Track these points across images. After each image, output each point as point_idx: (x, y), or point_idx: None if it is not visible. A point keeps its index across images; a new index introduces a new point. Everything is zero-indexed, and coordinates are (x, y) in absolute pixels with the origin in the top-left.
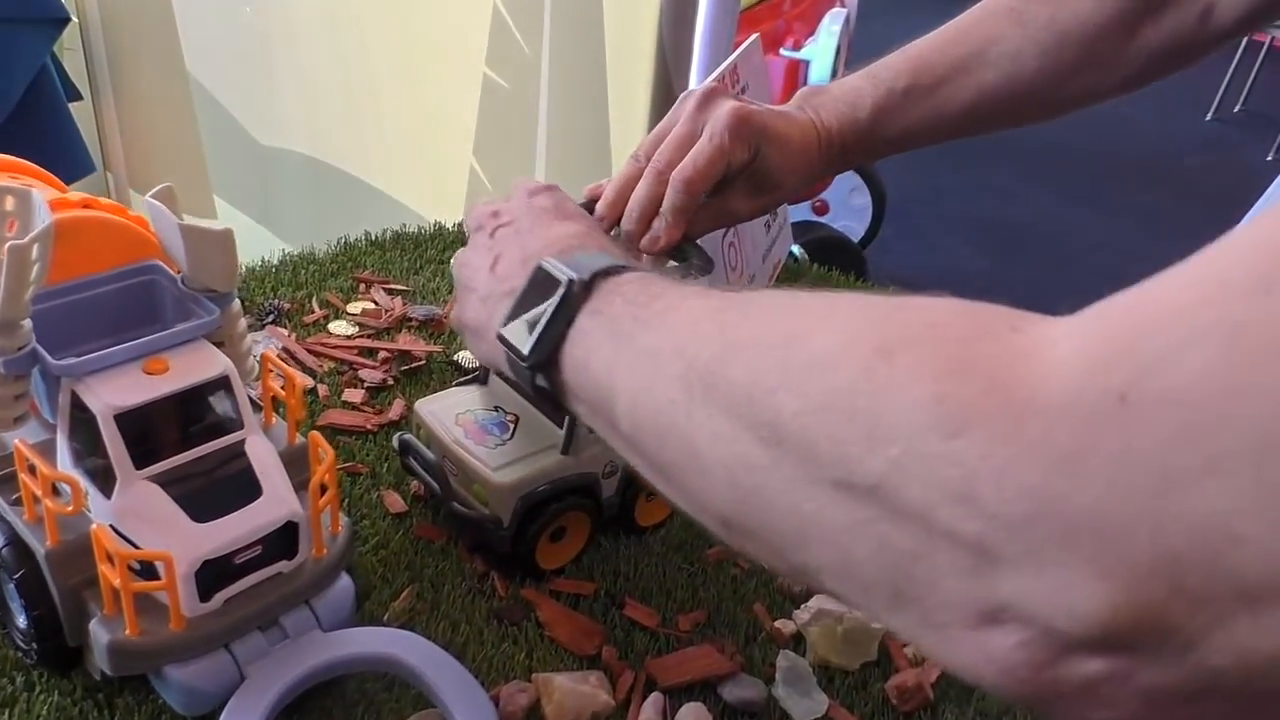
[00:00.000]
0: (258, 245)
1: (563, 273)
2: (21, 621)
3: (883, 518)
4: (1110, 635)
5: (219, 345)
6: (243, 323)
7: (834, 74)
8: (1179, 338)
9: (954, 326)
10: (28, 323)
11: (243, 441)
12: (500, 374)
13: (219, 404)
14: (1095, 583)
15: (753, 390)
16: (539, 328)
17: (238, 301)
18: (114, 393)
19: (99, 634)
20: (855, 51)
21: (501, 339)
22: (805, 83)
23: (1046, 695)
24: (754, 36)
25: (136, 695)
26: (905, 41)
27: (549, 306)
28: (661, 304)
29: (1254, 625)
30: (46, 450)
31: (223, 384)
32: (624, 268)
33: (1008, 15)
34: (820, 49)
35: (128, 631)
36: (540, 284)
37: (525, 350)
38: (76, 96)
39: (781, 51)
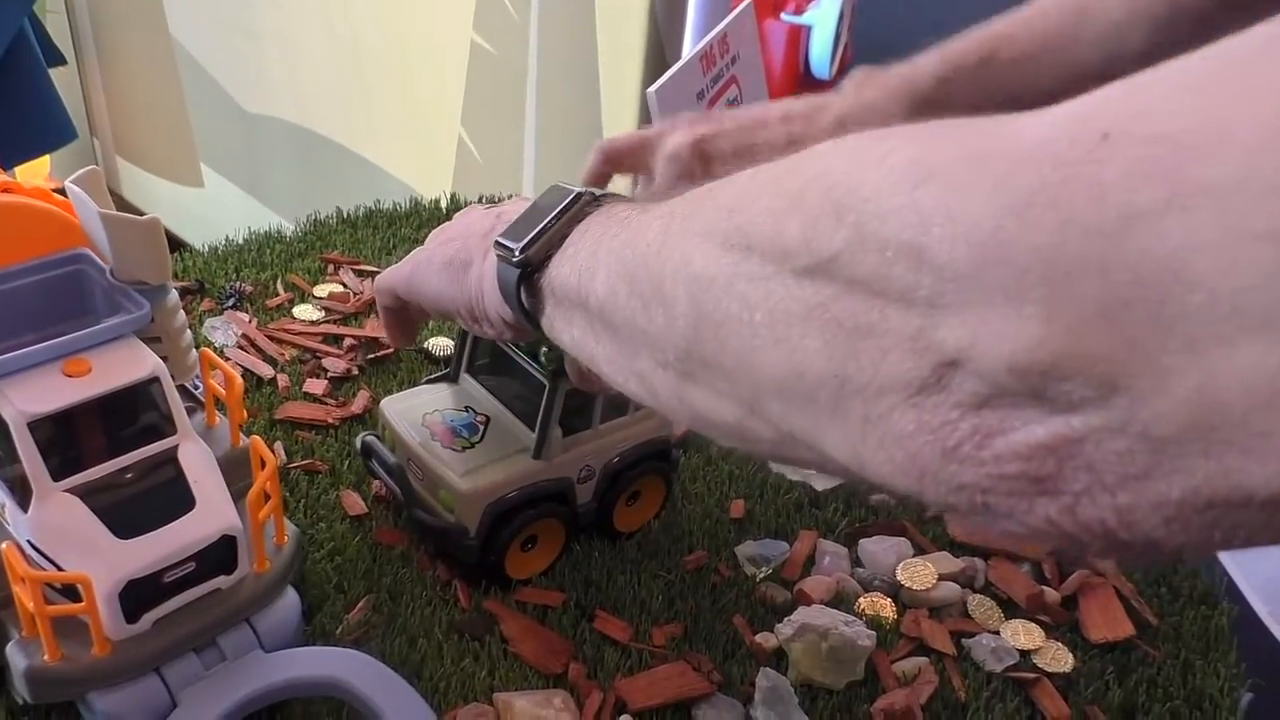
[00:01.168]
0: (246, 214)
1: (574, 187)
2: None
3: (837, 296)
4: (1052, 384)
5: (154, 342)
6: (181, 317)
7: (837, 39)
8: (1176, 84)
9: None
10: None
11: (175, 448)
12: (464, 326)
13: (148, 408)
14: (1039, 326)
15: (734, 205)
16: (542, 224)
17: (174, 293)
18: (28, 398)
19: (16, 659)
20: (860, 16)
21: (498, 244)
22: (807, 49)
23: (991, 484)
24: (746, 2)
25: (67, 715)
26: (909, 8)
27: (557, 206)
28: (655, 209)
29: (1200, 380)
30: None
31: (152, 386)
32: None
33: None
34: (822, 14)
35: (47, 657)
36: (548, 199)
37: (519, 245)
38: (60, 60)
39: (782, 16)
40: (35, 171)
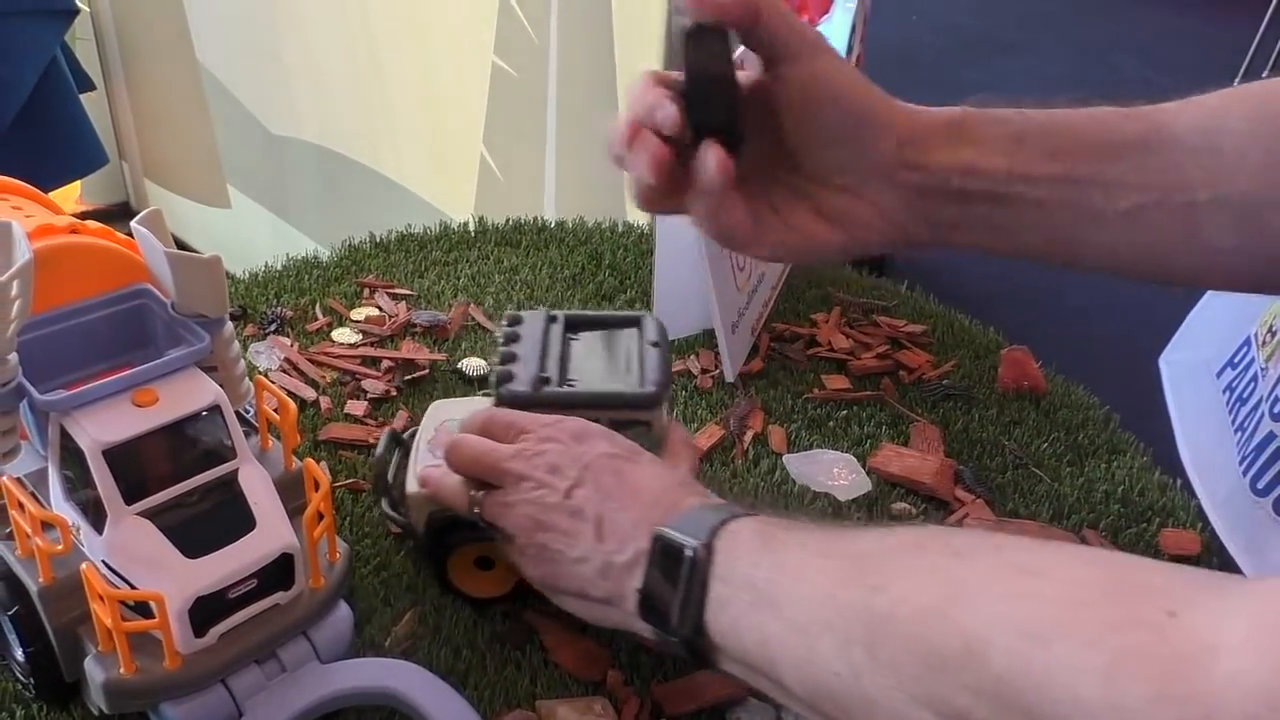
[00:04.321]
0: (273, 234)
1: (684, 540)
2: (19, 655)
3: None
4: None
5: (211, 370)
6: (235, 346)
7: (849, 50)
8: None
9: (1102, 607)
10: (13, 358)
11: (235, 472)
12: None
13: (210, 434)
14: None
15: (918, 669)
16: (677, 603)
17: (230, 325)
18: (101, 427)
19: (94, 672)
20: (872, 26)
21: (644, 613)
22: None
23: None
24: None
25: None
26: (922, 18)
27: (681, 581)
28: (789, 569)
29: None
30: (40, 479)
31: (214, 413)
32: (731, 516)
33: (1233, 95)
34: (835, 26)
35: (122, 670)
36: (664, 555)
37: (672, 624)
38: (90, 86)
39: None
40: (66, 195)
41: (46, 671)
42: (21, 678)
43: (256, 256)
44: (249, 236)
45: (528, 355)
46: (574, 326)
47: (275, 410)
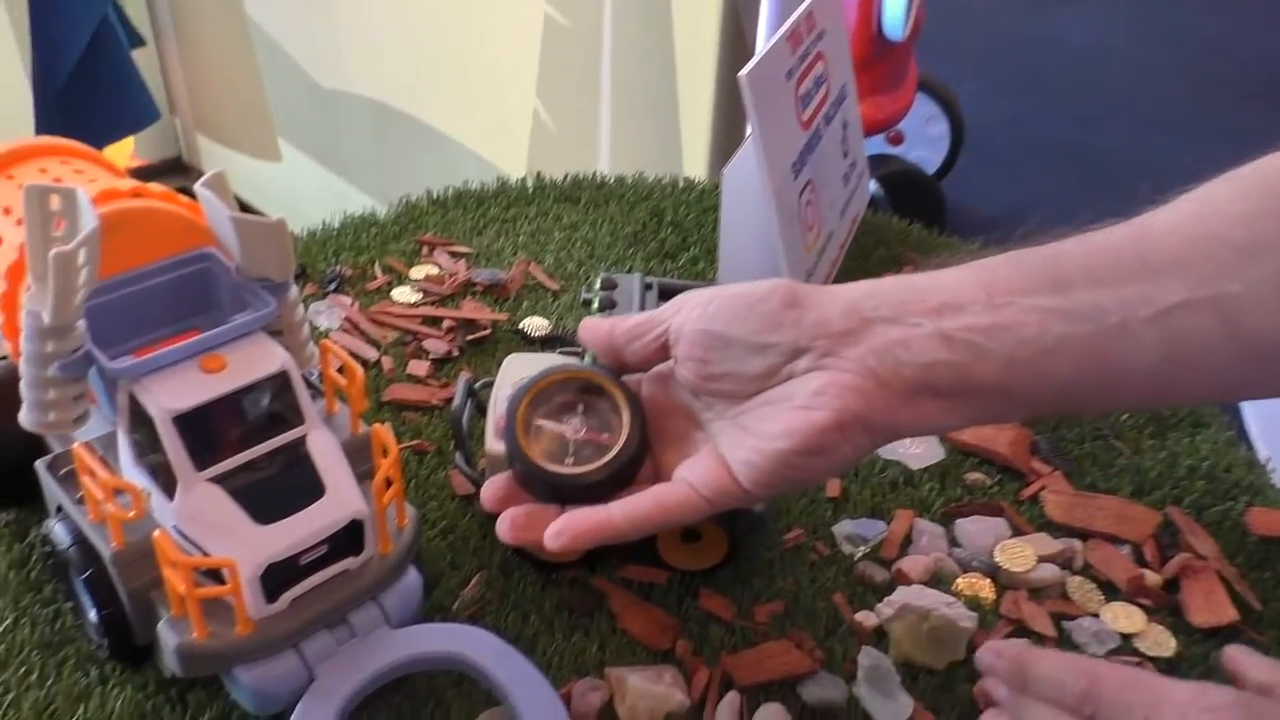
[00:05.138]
0: (323, 187)
1: None
2: (93, 617)
3: None
4: None
5: (276, 334)
6: (301, 310)
7: (908, 10)
8: None
9: None
10: (81, 324)
11: (304, 437)
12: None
13: (279, 399)
14: None
15: None
16: None
17: (295, 289)
18: (170, 394)
19: (167, 636)
20: None
21: None
22: (880, 20)
23: None
24: None
25: (209, 690)
26: None
27: None
28: None
29: None
30: (110, 444)
31: (281, 379)
32: None
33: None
34: None
35: (195, 635)
36: None
37: None
38: (140, 42)
39: None
40: (120, 151)
41: (119, 634)
42: (95, 639)
43: (308, 211)
44: (300, 190)
45: None
46: (667, 293)
47: (340, 372)
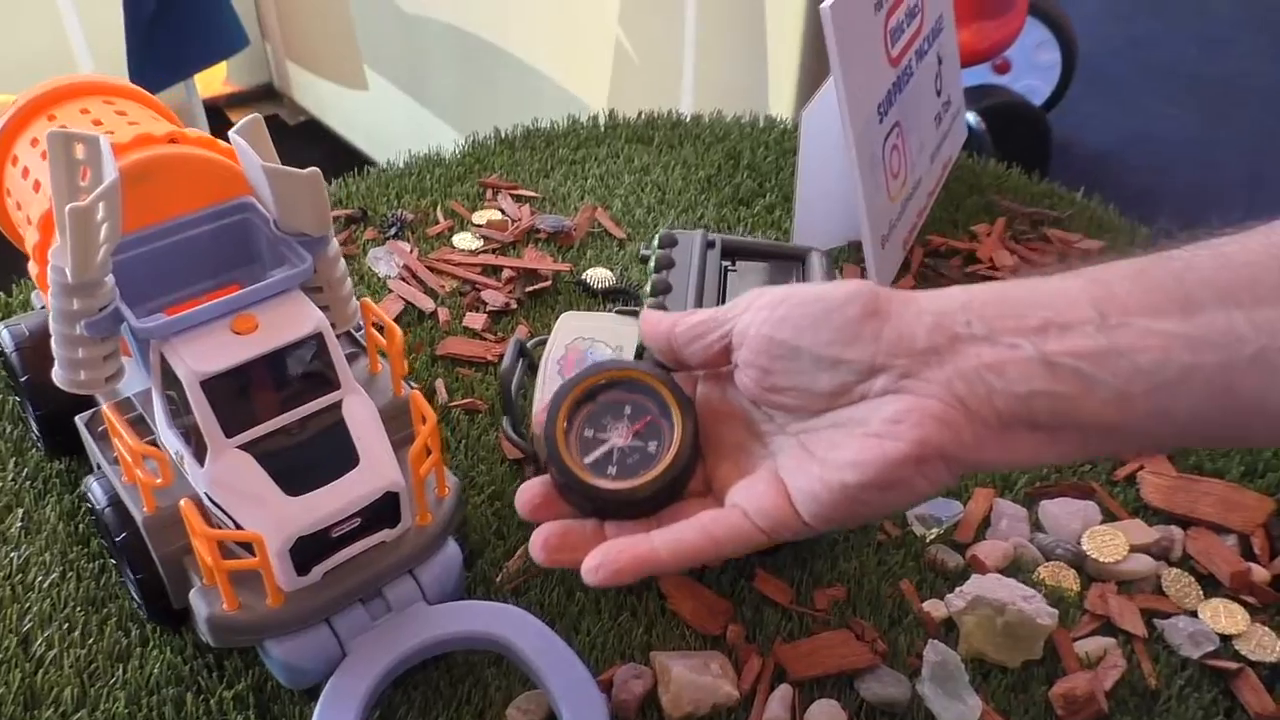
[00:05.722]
0: (407, 116)
1: None
2: (129, 579)
3: None
4: None
5: (316, 291)
6: (342, 265)
7: None
8: None
9: None
10: (109, 281)
11: (339, 403)
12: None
13: (313, 362)
14: None
15: None
16: None
17: (335, 244)
18: (199, 357)
19: (199, 605)
20: None
21: None
22: None
23: None
24: None
25: (245, 657)
26: None
27: None
28: None
29: None
30: (147, 400)
31: (316, 342)
32: None
33: None
34: None
35: (225, 606)
36: None
37: None
38: None
39: None
40: (213, 77)
41: (156, 598)
42: (136, 598)
43: (391, 140)
44: (385, 119)
45: (683, 286)
46: (732, 254)
47: (379, 328)
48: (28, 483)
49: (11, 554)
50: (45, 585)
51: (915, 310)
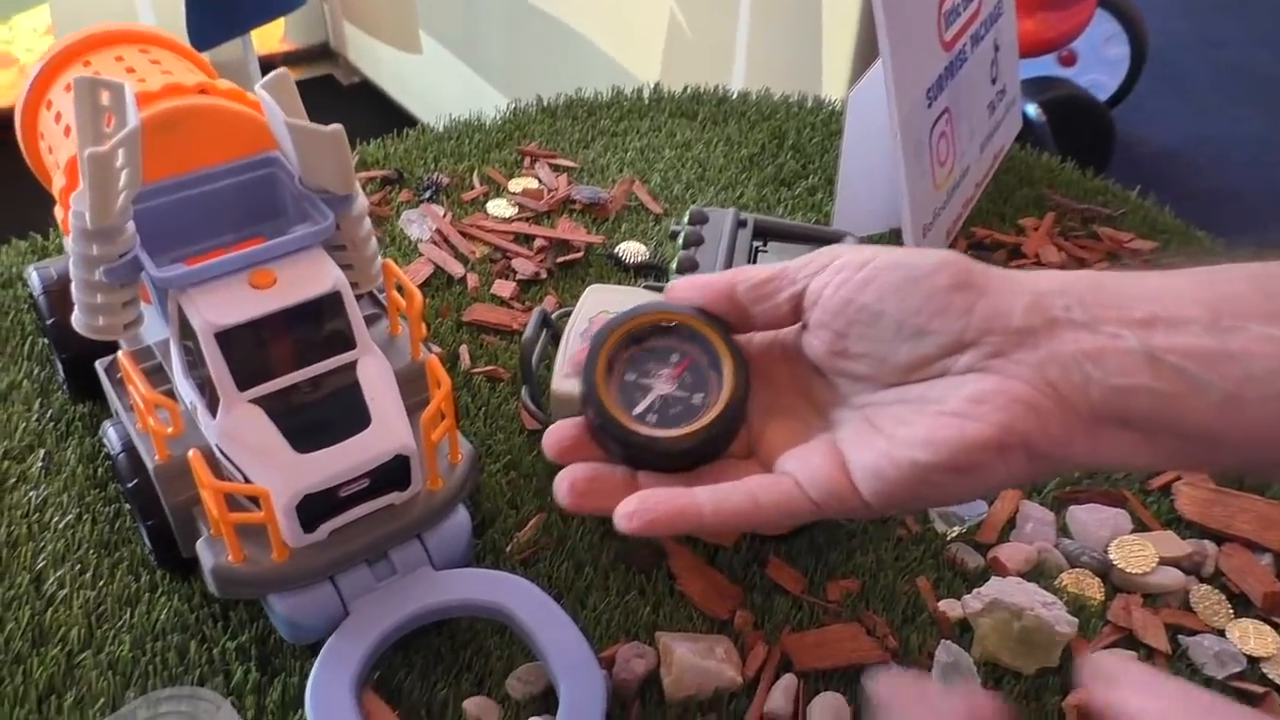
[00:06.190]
0: (460, 81)
1: None
2: (141, 525)
3: None
4: None
5: (339, 250)
6: (367, 224)
7: None
8: None
9: None
10: (129, 228)
11: (354, 363)
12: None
13: (330, 321)
14: None
15: None
16: None
17: (361, 201)
18: (215, 309)
19: (205, 555)
20: None
21: None
22: None
23: None
24: None
25: (250, 610)
26: None
27: None
28: None
29: None
30: (167, 349)
31: (334, 300)
32: None
33: None
34: None
35: (230, 558)
36: None
37: None
38: None
39: None
40: (270, 33)
41: (165, 545)
42: (148, 544)
43: (442, 105)
44: (438, 84)
45: (709, 265)
46: (764, 234)
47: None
48: (51, 424)
49: (30, 493)
50: (61, 526)
51: (1011, 287)
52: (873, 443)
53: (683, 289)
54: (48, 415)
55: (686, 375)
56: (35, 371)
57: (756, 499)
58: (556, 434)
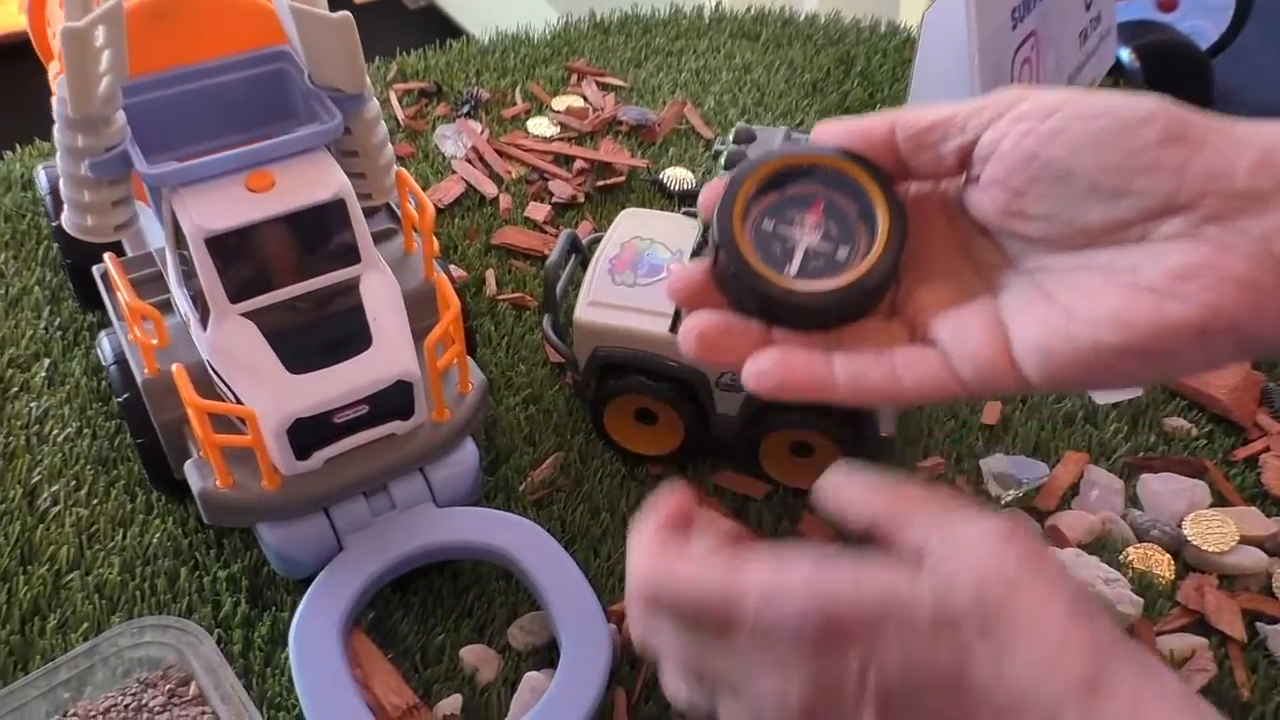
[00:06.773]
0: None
1: None
2: (134, 443)
3: None
4: None
5: (351, 157)
6: (381, 130)
7: None
8: None
9: None
10: (118, 118)
11: (357, 279)
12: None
13: (333, 232)
14: None
15: None
16: None
17: (374, 105)
18: (207, 212)
19: (193, 478)
20: None
21: None
22: None
23: None
24: None
25: (244, 538)
26: None
27: None
28: None
29: None
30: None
31: (337, 209)
32: None
33: None
34: None
35: (218, 482)
36: None
37: None
38: None
39: None
40: None
41: (156, 464)
42: (142, 463)
43: (498, 17)
44: (507, 13)
45: None
46: None
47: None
48: (58, 333)
49: (32, 404)
50: (60, 439)
51: (1235, 142)
52: (1045, 315)
53: (833, 133)
54: (55, 324)
55: (833, 225)
56: (48, 277)
57: (898, 379)
58: (683, 277)
